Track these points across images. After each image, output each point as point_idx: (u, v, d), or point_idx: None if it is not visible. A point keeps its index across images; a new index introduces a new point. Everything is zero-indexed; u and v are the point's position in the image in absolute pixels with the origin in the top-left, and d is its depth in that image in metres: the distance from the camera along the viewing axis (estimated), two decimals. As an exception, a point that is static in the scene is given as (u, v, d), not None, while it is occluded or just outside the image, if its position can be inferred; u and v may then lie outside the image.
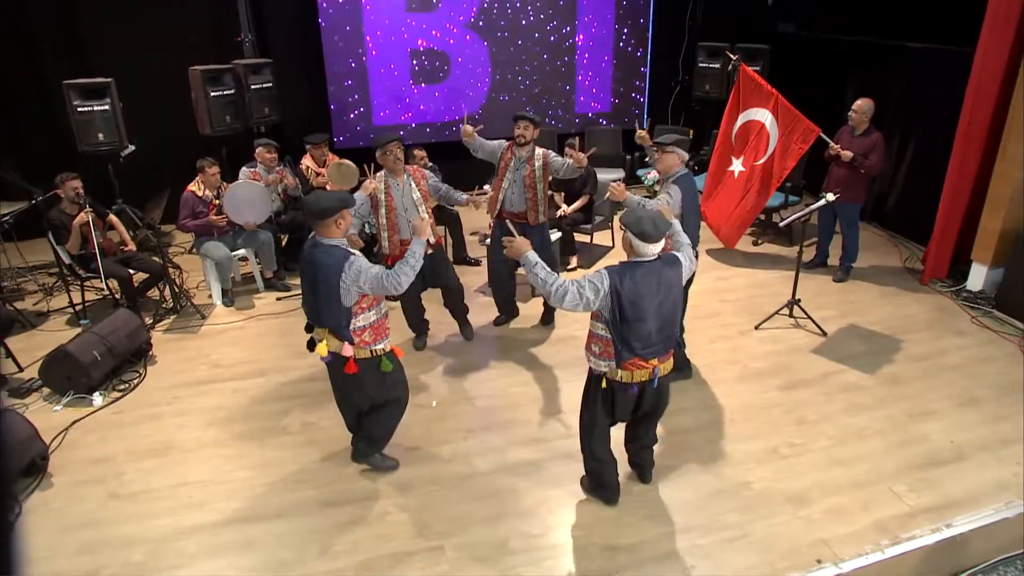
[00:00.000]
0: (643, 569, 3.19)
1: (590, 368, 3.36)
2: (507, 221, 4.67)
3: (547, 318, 5.49)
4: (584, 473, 3.67)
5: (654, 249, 3.11)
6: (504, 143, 5.01)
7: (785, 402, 4.44)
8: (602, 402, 3.33)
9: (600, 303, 3.09)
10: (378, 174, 4.61)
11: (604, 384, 3.26)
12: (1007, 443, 4.03)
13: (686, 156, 4.33)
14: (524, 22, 8.16)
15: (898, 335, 5.26)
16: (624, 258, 3.22)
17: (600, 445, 3.47)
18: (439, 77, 8.15)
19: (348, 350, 3.39)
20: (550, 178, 5.03)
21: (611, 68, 8.70)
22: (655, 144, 4.38)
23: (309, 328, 3.56)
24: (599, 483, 3.60)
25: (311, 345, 3.54)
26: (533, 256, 3.22)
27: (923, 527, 3.42)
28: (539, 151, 4.92)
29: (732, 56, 6.34)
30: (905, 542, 3.33)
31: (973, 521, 3.46)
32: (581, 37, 8.42)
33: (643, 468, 3.74)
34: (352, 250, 3.36)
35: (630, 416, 3.43)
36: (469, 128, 4.94)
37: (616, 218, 4.27)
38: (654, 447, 3.72)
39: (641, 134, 4.85)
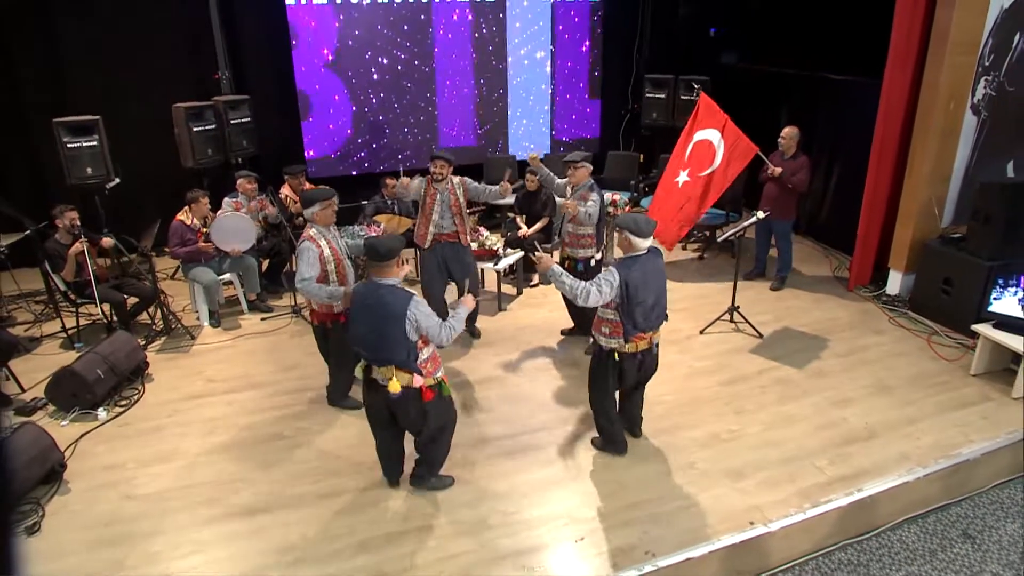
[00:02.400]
0: (605, 534, 3.73)
1: (600, 346, 4.10)
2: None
3: (474, 331, 6.02)
4: (596, 435, 4.46)
5: (646, 244, 3.93)
6: (423, 180, 5.51)
7: (725, 395, 5.05)
8: (612, 371, 4.10)
9: (614, 294, 3.82)
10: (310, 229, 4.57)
11: (616, 356, 4.02)
12: (912, 422, 4.70)
13: (591, 168, 5.39)
14: (383, 60, 8.33)
15: (825, 335, 5.93)
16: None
17: (612, 407, 4.31)
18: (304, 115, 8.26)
19: (419, 380, 3.63)
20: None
21: (474, 101, 8.96)
22: (568, 162, 5.32)
23: (368, 370, 3.72)
24: (612, 440, 4.36)
25: (373, 385, 3.73)
26: (558, 268, 3.95)
27: (838, 492, 4.03)
28: (455, 179, 5.50)
29: (696, 85, 7.10)
30: (823, 504, 3.93)
31: (880, 486, 4.08)
32: (441, 72, 8.63)
33: (635, 424, 4.56)
34: (411, 290, 3.64)
35: (633, 381, 4.21)
36: (406, 180, 5.51)
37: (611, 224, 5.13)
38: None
39: (533, 156, 5.68)
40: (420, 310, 3.54)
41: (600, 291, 3.81)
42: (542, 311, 6.36)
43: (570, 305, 5.78)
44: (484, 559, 3.60)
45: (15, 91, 7.13)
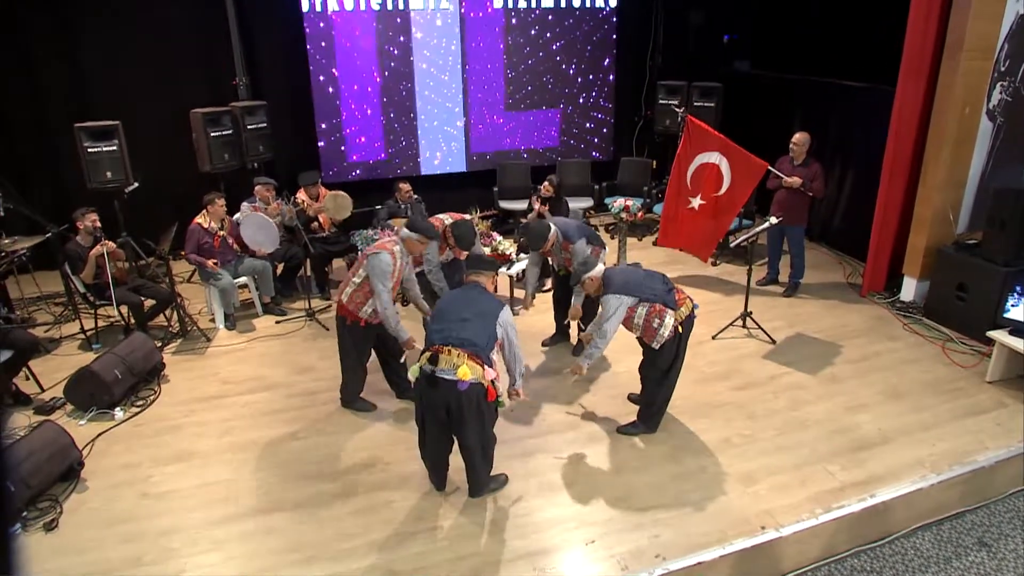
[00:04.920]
0: (614, 537, 3.73)
1: (658, 347, 4.31)
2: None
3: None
4: (636, 419, 4.67)
5: (601, 265, 4.47)
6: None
7: (738, 400, 5.04)
8: (681, 345, 4.40)
9: (625, 307, 4.23)
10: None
11: (679, 330, 4.31)
12: (926, 428, 4.67)
13: (552, 228, 5.30)
14: (393, 64, 8.21)
15: (838, 341, 5.91)
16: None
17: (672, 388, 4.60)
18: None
19: (490, 374, 3.67)
20: None
21: (380, 117, 8.58)
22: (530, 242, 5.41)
23: (432, 361, 3.65)
24: (655, 423, 4.64)
25: (432, 382, 3.63)
26: (584, 363, 4.40)
27: (851, 498, 4.01)
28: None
29: (679, 110, 7.04)
30: (836, 510, 3.92)
31: (894, 492, 4.06)
32: (346, 89, 8.31)
33: None
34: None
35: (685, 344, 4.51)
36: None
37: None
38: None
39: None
40: (511, 318, 3.91)
41: (612, 321, 4.21)
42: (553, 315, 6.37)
43: (557, 308, 5.93)
44: (494, 560, 3.62)
45: (36, 97, 7.28)
